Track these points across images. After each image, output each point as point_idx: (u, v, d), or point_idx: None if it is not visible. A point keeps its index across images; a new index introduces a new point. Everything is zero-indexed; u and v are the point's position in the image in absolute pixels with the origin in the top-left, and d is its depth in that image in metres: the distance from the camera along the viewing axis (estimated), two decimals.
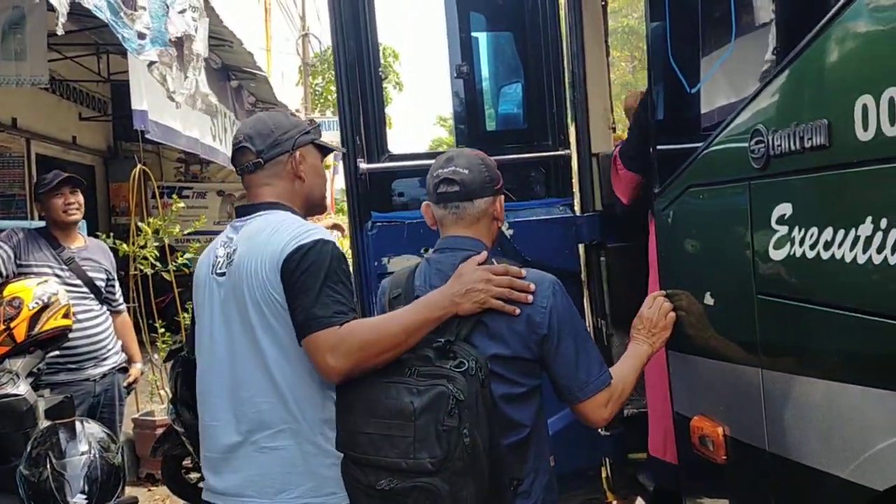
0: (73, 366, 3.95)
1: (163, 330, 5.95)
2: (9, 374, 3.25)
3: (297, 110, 15.58)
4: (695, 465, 2.38)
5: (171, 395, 4.77)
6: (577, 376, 2.00)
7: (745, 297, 1.94)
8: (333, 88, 21.18)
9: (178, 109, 5.32)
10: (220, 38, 7.66)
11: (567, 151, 3.55)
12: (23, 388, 3.20)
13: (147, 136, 5.95)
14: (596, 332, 3.57)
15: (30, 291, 3.44)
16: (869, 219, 1.45)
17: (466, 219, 2.13)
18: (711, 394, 2.27)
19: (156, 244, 5.80)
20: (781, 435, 1.86)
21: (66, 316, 3.56)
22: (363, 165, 3.20)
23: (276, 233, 1.99)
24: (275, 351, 1.99)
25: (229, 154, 2.44)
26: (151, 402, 5.97)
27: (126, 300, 5.30)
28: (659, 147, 2.49)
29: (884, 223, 1.42)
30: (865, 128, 1.44)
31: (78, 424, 2.87)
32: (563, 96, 3.55)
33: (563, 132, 3.55)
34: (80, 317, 3.93)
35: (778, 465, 1.89)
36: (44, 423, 3.13)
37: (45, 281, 3.59)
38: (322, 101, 17.18)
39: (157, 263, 5.86)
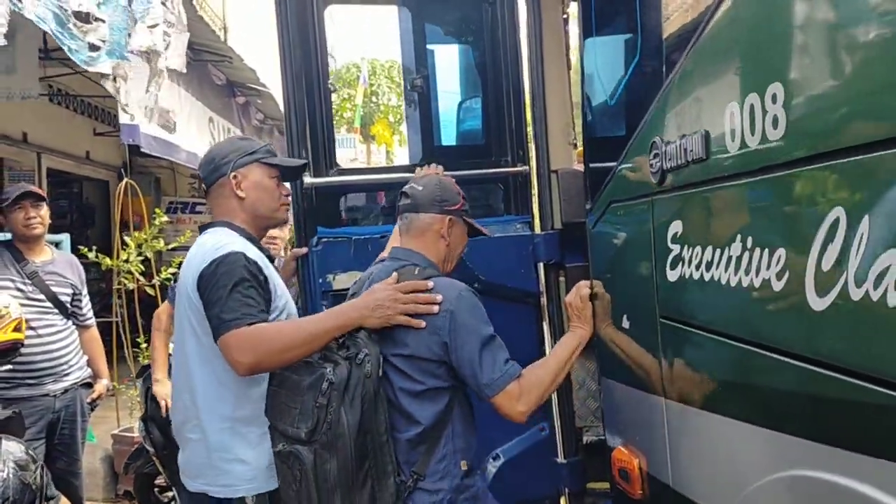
0: (32, 381, 3.89)
1: (145, 345, 5.91)
2: None
3: None
4: (620, 500, 2.24)
5: (142, 412, 4.76)
6: (482, 374, 2.11)
7: (651, 321, 1.81)
8: (348, 105, 21.61)
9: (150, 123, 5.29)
10: (219, 55, 7.71)
11: (526, 168, 3.45)
12: None
13: (142, 149, 5.98)
14: None
15: None
16: (738, 237, 1.33)
17: (413, 230, 2.40)
18: (630, 423, 2.14)
19: (139, 258, 5.78)
20: (680, 470, 1.72)
21: (17, 329, 3.51)
22: (308, 180, 3.12)
23: (198, 253, 2.30)
24: (195, 354, 2.30)
25: None
26: (131, 418, 5.92)
27: (110, 314, 5.28)
28: (589, 163, 2.38)
29: (749, 242, 1.29)
30: (733, 138, 1.31)
31: None
32: (522, 111, 3.45)
33: (522, 148, 3.45)
34: (40, 332, 3.90)
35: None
36: None
37: None
38: (337, 117, 17.29)
39: (142, 278, 5.83)
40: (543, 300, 3.48)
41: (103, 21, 3.92)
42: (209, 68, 8.08)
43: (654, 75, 1.98)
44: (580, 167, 3.21)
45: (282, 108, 3.31)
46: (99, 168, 11.65)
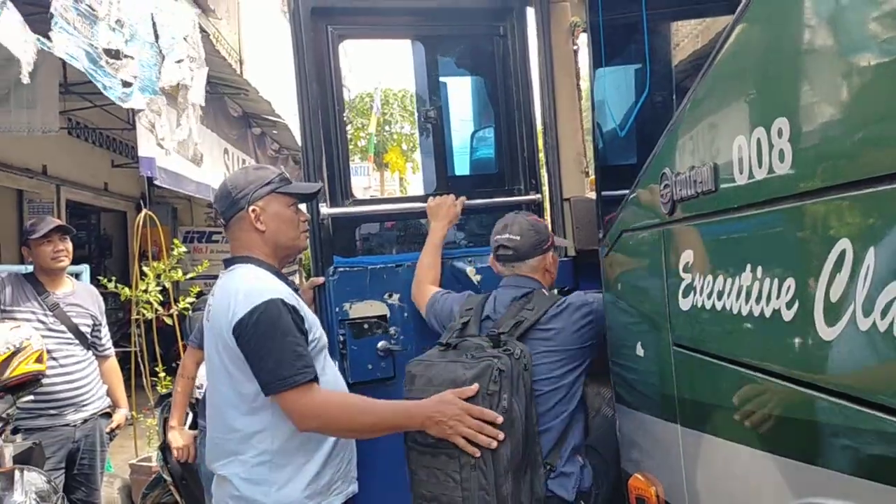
0: (53, 411, 3.94)
1: (164, 374, 5.96)
2: None
3: None
4: None
5: (160, 442, 4.79)
6: None
7: (665, 349, 1.83)
8: (361, 134, 21.83)
9: (168, 156, 5.38)
10: (235, 87, 7.84)
11: (539, 196, 3.48)
12: None
13: (155, 182, 6.07)
14: None
15: (1, 337, 3.44)
16: (748, 267, 1.35)
17: (522, 274, 2.75)
18: (647, 450, 2.14)
19: (158, 288, 5.84)
20: (696, 498, 1.73)
21: (38, 361, 3.56)
22: (325, 210, 3.17)
23: (230, 296, 2.25)
24: (229, 391, 2.29)
25: None
26: (149, 448, 5.95)
27: (128, 344, 5.33)
28: (601, 192, 2.41)
29: (759, 272, 1.31)
30: (741, 170, 1.34)
31: (17, 473, 2.84)
32: (534, 140, 3.49)
33: (535, 177, 3.49)
34: (61, 362, 3.96)
35: None
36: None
37: (19, 326, 3.61)
38: (351, 146, 17.45)
39: (160, 308, 5.89)
40: None
41: (132, 58, 4.01)
42: (226, 101, 8.20)
43: (663, 106, 2.03)
44: (592, 195, 3.25)
45: (297, 138, 3.37)
46: (117, 199, 11.80)
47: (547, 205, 3.49)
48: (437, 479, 2.27)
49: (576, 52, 3.52)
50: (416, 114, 3.45)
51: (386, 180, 25.58)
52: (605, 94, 2.57)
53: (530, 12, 3.49)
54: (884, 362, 1.03)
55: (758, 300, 1.32)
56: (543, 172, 3.52)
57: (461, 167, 3.69)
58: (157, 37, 4.61)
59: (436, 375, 2.37)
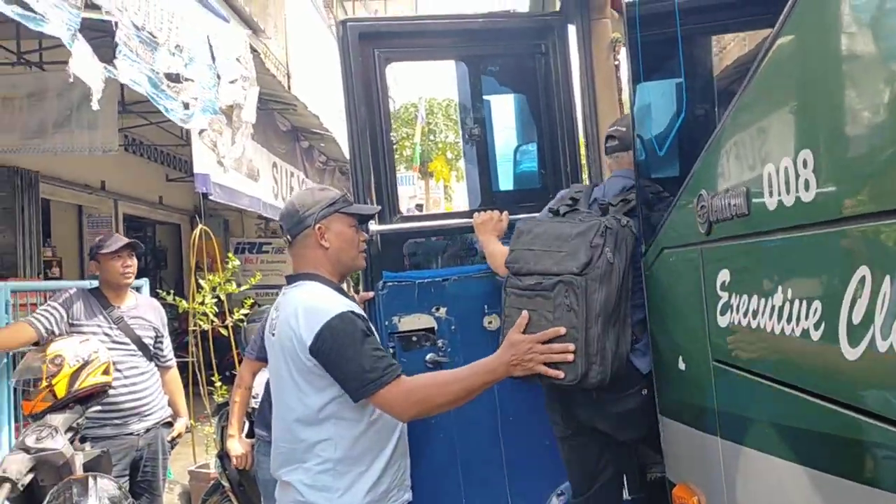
0: (118, 421, 4.11)
1: (220, 383, 6.15)
2: (49, 428, 3.43)
3: None
4: None
5: (218, 449, 4.95)
6: None
7: (705, 364, 1.90)
8: (406, 144, 22.05)
9: (226, 173, 5.58)
10: (285, 103, 8.04)
11: None
12: (60, 443, 3.37)
13: (210, 197, 6.28)
14: None
15: (71, 350, 3.64)
16: (780, 289, 1.42)
17: (623, 164, 2.84)
18: (689, 462, 2.20)
19: (213, 300, 6.04)
20: None
21: (105, 373, 3.75)
22: (374, 227, 3.28)
23: (299, 311, 2.38)
24: (295, 402, 2.40)
25: None
26: (207, 455, 6.15)
27: (183, 353, 5.52)
28: (644, 208, 2.48)
29: (790, 293, 1.38)
30: (771, 195, 1.41)
31: (90, 480, 3.01)
32: (577, 155, 3.56)
33: None
34: (126, 374, 4.13)
35: None
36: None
37: (87, 339, 3.80)
38: (397, 155, 17.64)
39: (215, 319, 6.09)
40: None
41: (192, 80, 4.19)
42: (275, 116, 8.42)
43: (702, 125, 2.09)
44: None
45: (344, 150, 3.48)
46: (171, 212, 12.17)
47: None
48: (532, 321, 2.42)
49: (617, 66, 3.59)
50: (461, 131, 3.55)
51: (431, 188, 25.77)
52: (646, 109, 2.64)
53: (571, 29, 3.57)
54: None
55: (788, 320, 1.39)
56: None
57: (505, 182, 3.77)
58: (213, 58, 4.79)
59: (542, 232, 2.58)
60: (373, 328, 2.49)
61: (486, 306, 3.33)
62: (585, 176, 3.60)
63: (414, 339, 3.26)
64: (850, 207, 1.18)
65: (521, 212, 3.47)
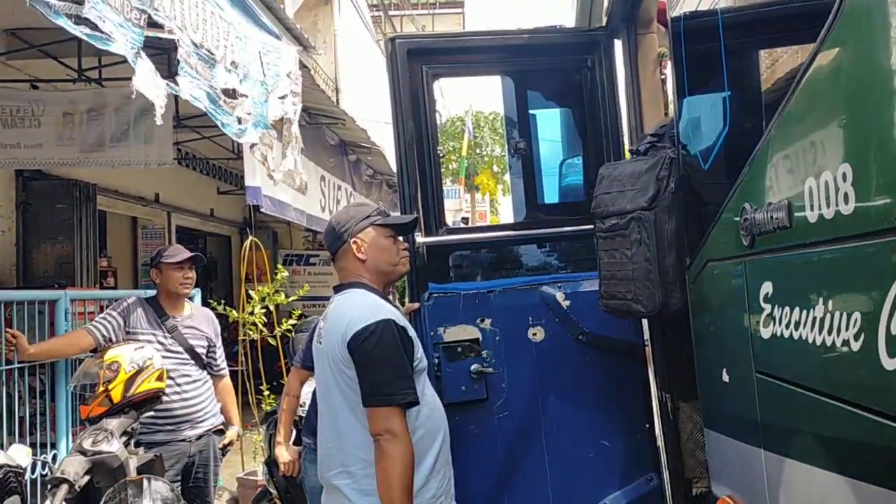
0: (171, 427, 4.21)
1: (268, 392, 6.27)
2: (105, 432, 3.55)
3: None
4: None
5: (266, 457, 5.05)
6: None
7: (748, 376, 1.90)
8: (453, 157, 22.17)
9: (276, 186, 5.70)
10: (333, 117, 8.18)
11: None
12: (116, 446, 3.49)
13: (261, 210, 6.43)
14: (661, 406, 3.47)
15: (127, 356, 3.77)
16: (820, 300, 1.43)
17: None
18: (733, 473, 2.20)
19: (263, 310, 6.17)
20: None
21: (159, 379, 3.87)
22: (420, 239, 3.35)
23: (344, 315, 2.49)
24: (343, 406, 2.48)
25: None
26: (255, 462, 6.26)
27: (232, 363, 5.64)
28: (689, 219, 2.50)
29: (830, 305, 1.39)
30: (811, 209, 1.43)
31: (145, 482, 3.11)
32: None
33: None
34: (178, 381, 4.23)
35: None
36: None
37: (142, 346, 3.93)
38: (443, 169, 17.77)
39: (264, 329, 6.22)
40: (648, 351, 3.55)
41: (246, 96, 4.32)
42: (324, 130, 8.58)
43: (745, 139, 2.10)
44: None
45: (391, 164, 3.56)
46: (221, 224, 12.43)
47: None
48: (613, 259, 2.62)
49: (663, 80, 3.60)
50: (507, 144, 3.61)
51: (476, 201, 25.84)
52: (690, 123, 2.66)
53: (617, 44, 3.60)
54: None
55: (829, 332, 1.40)
56: None
57: (550, 195, 3.81)
58: (264, 74, 4.93)
59: (619, 174, 2.73)
60: (415, 338, 2.56)
61: (530, 318, 3.37)
62: None
63: (459, 349, 3.30)
64: (887, 219, 1.19)
65: (566, 225, 3.51)
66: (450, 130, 22.04)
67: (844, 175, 1.30)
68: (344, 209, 2.88)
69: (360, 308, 2.49)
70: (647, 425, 3.51)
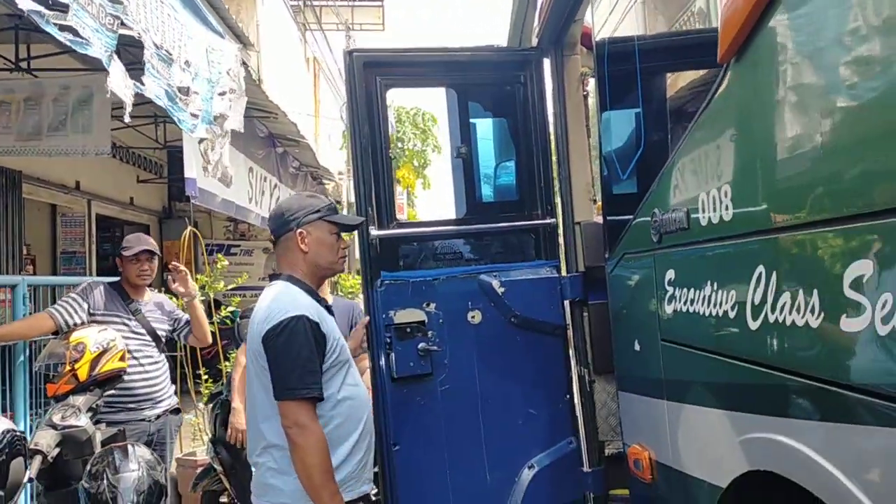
0: (132, 405, 4.42)
1: (206, 377, 6.52)
2: (72, 408, 3.80)
3: (341, 172, 16.40)
4: (635, 486, 2.83)
5: (210, 435, 5.33)
6: None
7: (655, 344, 2.43)
8: None
9: (206, 177, 5.97)
10: (265, 111, 8.41)
11: (554, 220, 4.07)
12: (83, 421, 3.75)
13: (194, 201, 6.64)
14: (580, 379, 3.99)
15: (92, 338, 4.02)
16: (709, 282, 1.96)
17: None
18: (642, 426, 2.73)
19: (202, 299, 6.41)
20: (678, 454, 2.32)
21: (122, 359, 4.14)
22: (374, 232, 3.75)
23: (263, 309, 2.61)
24: (261, 393, 2.60)
25: (263, 215, 3.07)
26: (193, 443, 6.51)
27: (174, 350, 5.87)
28: (607, 217, 3.00)
29: (716, 286, 1.92)
30: (703, 215, 1.95)
31: (130, 448, 3.42)
32: (550, 172, 4.09)
33: (550, 203, 4.08)
34: (142, 361, 4.46)
35: (678, 479, 2.35)
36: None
37: (105, 329, 4.18)
38: None
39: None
40: (569, 332, 4.07)
41: (197, 93, 4.60)
42: (255, 122, 8.79)
43: (657, 151, 2.61)
44: (599, 219, 3.84)
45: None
46: (141, 213, 12.36)
47: (560, 228, 4.08)
48: None
49: (585, 96, 4.12)
50: (450, 149, 4.06)
51: (396, 195, 25.92)
52: (609, 133, 3.14)
53: (546, 63, 4.10)
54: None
55: (715, 304, 1.93)
56: (557, 199, 4.11)
57: (487, 194, 4.29)
58: (210, 72, 5.19)
59: None
60: (329, 333, 2.62)
61: (469, 303, 3.83)
62: (556, 190, 4.12)
63: (408, 330, 3.72)
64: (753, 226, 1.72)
65: (501, 220, 3.99)
66: None
67: (725, 192, 1.83)
68: (296, 196, 2.94)
69: (277, 302, 2.57)
70: (567, 396, 3.98)
